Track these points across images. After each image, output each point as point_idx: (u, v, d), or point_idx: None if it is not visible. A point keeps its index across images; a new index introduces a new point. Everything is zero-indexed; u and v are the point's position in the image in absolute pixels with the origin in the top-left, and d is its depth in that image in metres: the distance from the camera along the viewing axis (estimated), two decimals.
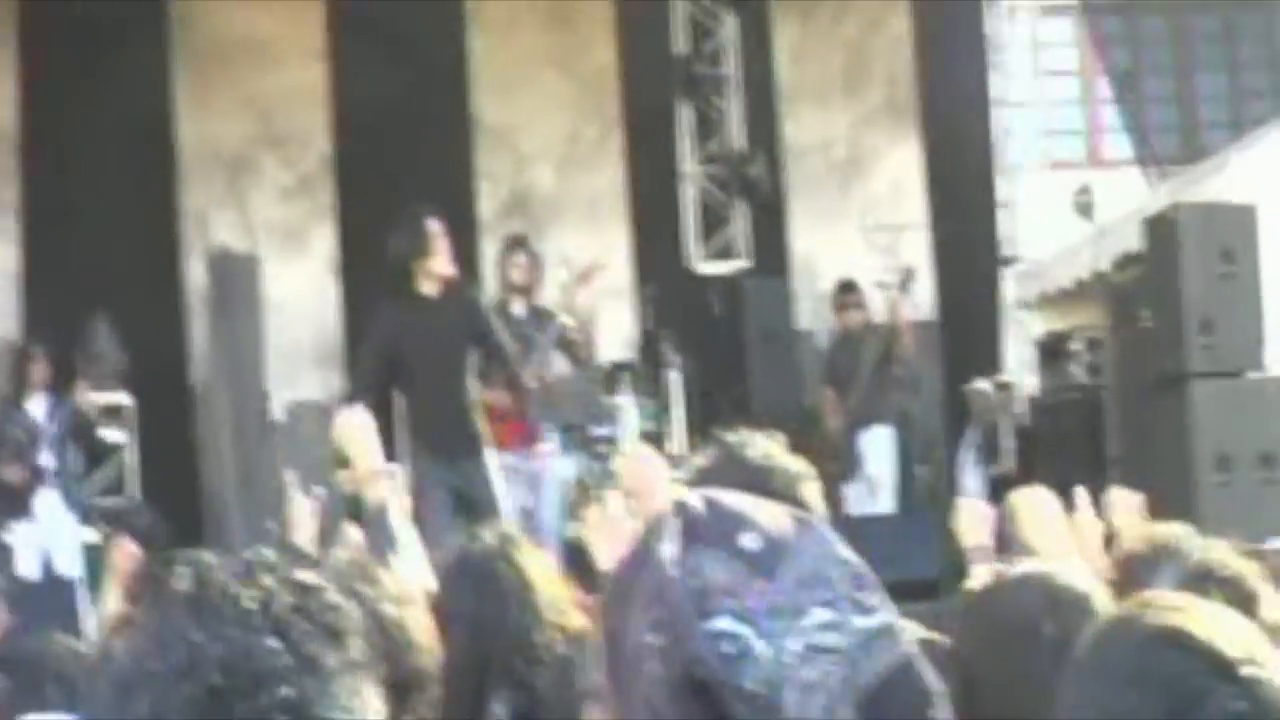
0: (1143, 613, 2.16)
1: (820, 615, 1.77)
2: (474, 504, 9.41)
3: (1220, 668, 2.04)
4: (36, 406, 12.81)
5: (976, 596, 3.26)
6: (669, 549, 1.80)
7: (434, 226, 9.67)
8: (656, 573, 1.79)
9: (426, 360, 9.71)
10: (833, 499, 12.22)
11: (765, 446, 3.73)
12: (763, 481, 3.40)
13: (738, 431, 3.88)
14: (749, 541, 1.81)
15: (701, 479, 3.51)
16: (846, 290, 13.73)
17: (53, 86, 15.06)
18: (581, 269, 11.37)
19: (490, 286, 12.30)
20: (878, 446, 13.29)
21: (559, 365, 11.70)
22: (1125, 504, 4.97)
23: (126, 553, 5.81)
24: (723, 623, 1.75)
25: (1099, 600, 3.07)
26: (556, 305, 11.41)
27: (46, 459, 12.67)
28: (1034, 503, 4.60)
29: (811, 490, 3.61)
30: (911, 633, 1.93)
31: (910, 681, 1.81)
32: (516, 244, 11.74)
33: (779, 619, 1.76)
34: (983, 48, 16.41)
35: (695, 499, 1.86)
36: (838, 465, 13.00)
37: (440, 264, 9.63)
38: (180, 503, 13.82)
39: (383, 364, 9.93)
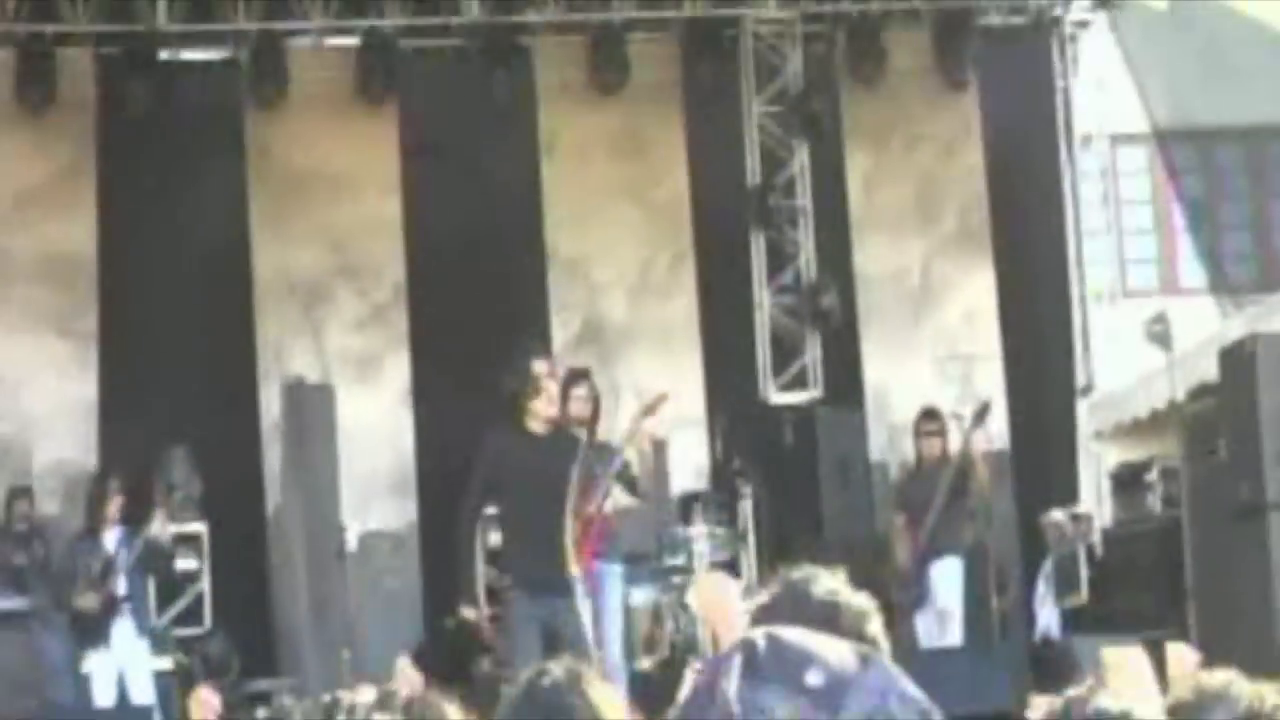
0: None
1: None
2: (562, 640, 9.39)
3: None
4: (111, 537, 12.86)
5: None
6: (733, 685, 1.79)
7: (542, 368, 9.74)
8: (722, 709, 1.78)
9: (527, 496, 9.73)
10: (903, 630, 12.20)
11: (830, 583, 3.71)
12: (829, 618, 3.37)
13: (802, 568, 3.86)
14: (813, 678, 1.80)
15: (766, 616, 3.49)
16: (928, 418, 13.61)
17: (131, 214, 15.30)
18: (647, 401, 11.40)
19: None
20: (948, 578, 13.16)
21: (622, 498, 11.65)
22: (1182, 659, 4.94)
23: (204, 702, 5.82)
24: None
25: None
26: (625, 435, 11.41)
27: (121, 588, 12.73)
28: (1126, 659, 4.57)
29: (878, 627, 3.58)
30: None
31: None
32: (578, 377, 11.75)
33: None
34: (1056, 177, 16.41)
35: (759, 635, 1.84)
36: (908, 596, 12.90)
37: (545, 406, 9.67)
38: (254, 631, 13.88)
39: (486, 496, 9.97)
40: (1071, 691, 3.38)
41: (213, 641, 13.80)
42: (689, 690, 1.92)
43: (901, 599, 12.81)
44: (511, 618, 9.67)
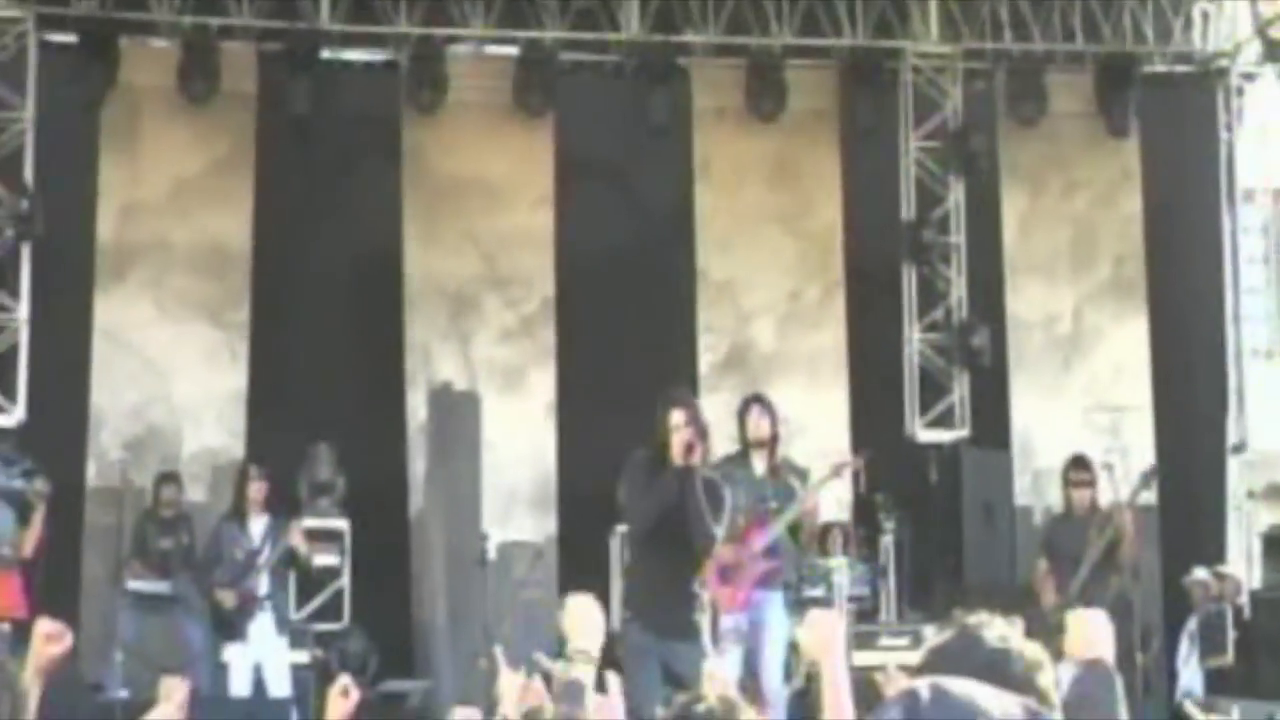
0: None
1: None
2: (683, 682, 9.22)
3: None
4: (258, 526, 12.93)
5: None
6: None
7: (677, 418, 9.49)
8: None
9: (664, 530, 9.57)
10: None
11: (1004, 630, 3.64)
12: (999, 666, 3.28)
13: (978, 613, 3.78)
14: None
15: (936, 659, 3.40)
16: (1079, 467, 13.45)
17: (285, 213, 15.35)
18: (835, 463, 11.35)
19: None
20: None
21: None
22: None
23: (344, 690, 5.74)
24: None
25: None
26: (814, 484, 11.31)
27: (263, 586, 12.79)
28: None
29: (1050, 679, 3.50)
30: None
31: None
32: (753, 401, 11.64)
33: None
34: (1216, 230, 16.21)
35: (923, 685, 1.75)
36: (1052, 646, 12.71)
37: (677, 451, 9.44)
38: (391, 631, 13.86)
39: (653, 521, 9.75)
40: None
41: (351, 638, 13.81)
42: None
43: (1045, 647, 12.63)
44: (629, 647, 9.45)
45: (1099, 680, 4.15)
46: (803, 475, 11.13)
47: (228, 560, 12.84)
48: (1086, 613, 4.24)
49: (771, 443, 11.08)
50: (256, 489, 12.93)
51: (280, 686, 12.59)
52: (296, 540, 12.79)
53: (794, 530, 11.19)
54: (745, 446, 11.18)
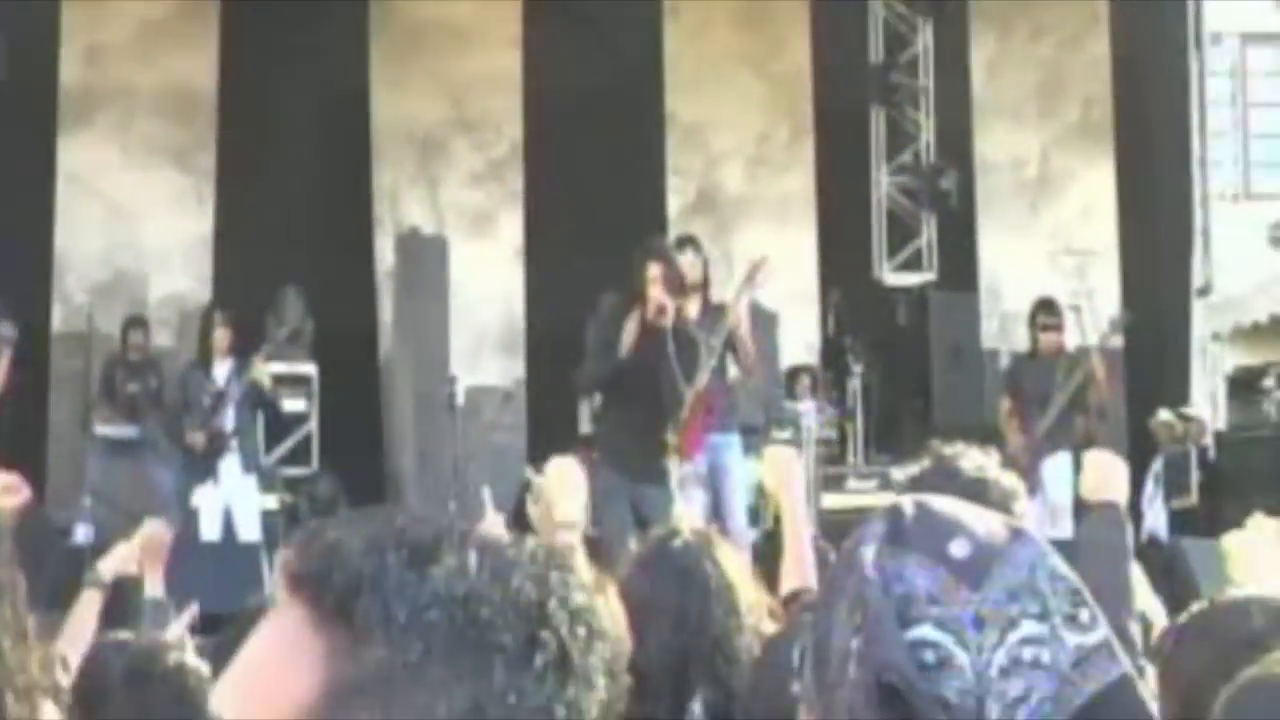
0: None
1: (1030, 628, 1.70)
2: (649, 524, 9.28)
3: None
4: (222, 370, 12.76)
5: (1195, 618, 3.19)
6: (872, 552, 1.73)
7: (654, 271, 9.48)
8: (858, 577, 1.72)
9: (637, 382, 9.61)
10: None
11: (980, 460, 3.69)
12: (976, 495, 3.34)
13: (954, 443, 3.84)
14: (957, 549, 1.74)
15: (913, 488, 3.47)
16: (1047, 310, 13.47)
17: (252, 56, 15.16)
18: (747, 269, 11.21)
19: None
20: (1061, 473, 13.11)
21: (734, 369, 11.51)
22: None
23: (151, 536, 5.74)
24: (925, 631, 1.68)
25: None
26: (731, 300, 11.26)
27: (229, 423, 12.68)
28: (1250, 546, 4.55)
29: (1023, 507, 3.57)
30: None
31: (1127, 703, 1.72)
32: (685, 243, 11.60)
33: (985, 630, 1.69)
34: (1184, 74, 16.14)
35: (908, 502, 1.78)
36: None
37: (650, 311, 9.44)
38: (361, 474, 13.89)
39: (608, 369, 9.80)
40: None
41: (320, 483, 13.83)
42: (836, 557, 1.86)
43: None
44: (599, 488, 9.52)
45: (1111, 523, 4.20)
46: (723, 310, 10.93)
47: (195, 405, 12.71)
48: (1102, 454, 4.28)
49: (704, 287, 10.98)
50: (221, 335, 12.74)
51: (250, 530, 12.49)
52: (259, 372, 12.61)
53: (737, 356, 11.04)
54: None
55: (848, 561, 1.72)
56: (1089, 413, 13.27)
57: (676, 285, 9.80)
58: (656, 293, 9.47)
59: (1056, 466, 13.05)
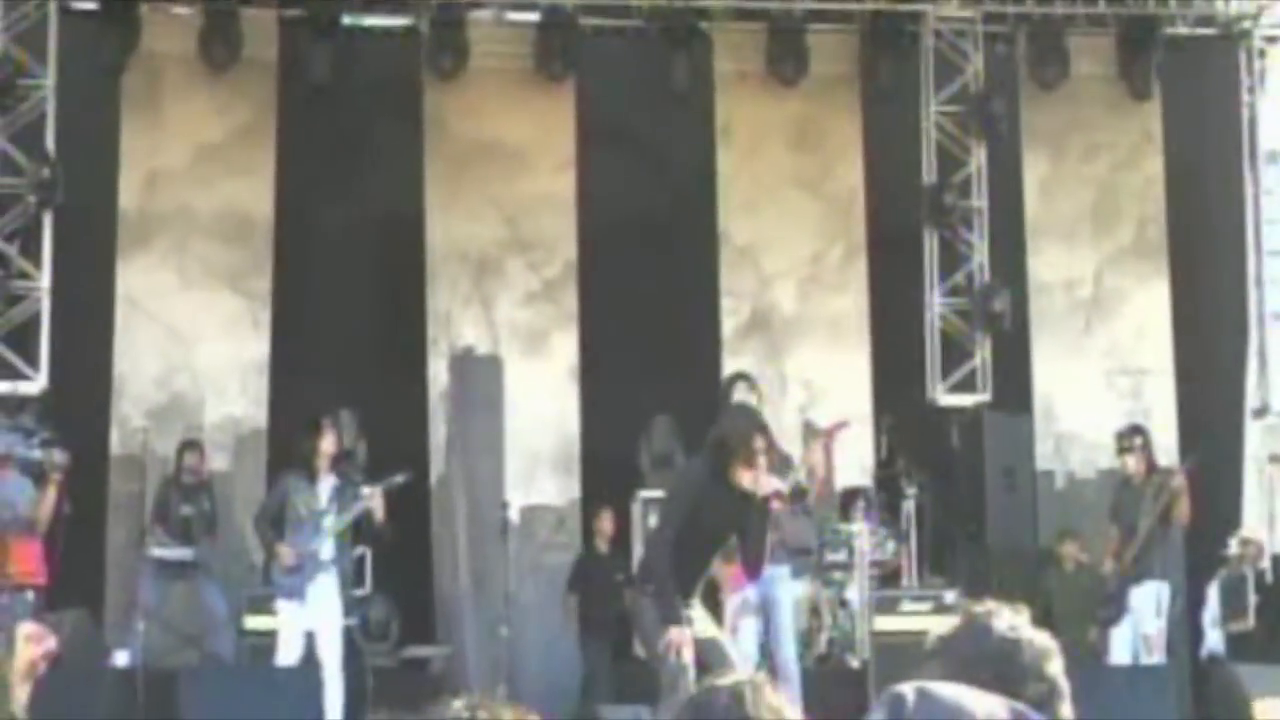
0: None
1: None
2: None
3: None
4: (324, 485, 11.96)
5: None
6: None
7: (760, 443, 9.29)
8: None
9: (706, 541, 9.47)
10: (1098, 644, 12.22)
11: (1013, 618, 3.64)
12: (1009, 655, 3.28)
13: (985, 601, 3.80)
14: None
15: (945, 648, 3.41)
16: (1133, 434, 13.42)
17: (307, 180, 15.36)
18: (826, 427, 11.25)
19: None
20: (1150, 601, 13.02)
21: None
22: None
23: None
24: None
25: None
26: (802, 457, 11.30)
27: (327, 550, 11.89)
28: None
29: (1058, 667, 3.50)
30: None
31: None
32: (739, 378, 11.61)
33: None
34: (1238, 193, 16.14)
35: (909, 689, 1.77)
36: (1107, 612, 12.91)
37: (750, 481, 9.26)
38: (413, 597, 13.89)
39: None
40: None
41: (373, 605, 13.82)
42: None
43: (1102, 615, 12.97)
44: (648, 616, 9.32)
45: None
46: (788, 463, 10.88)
47: (292, 518, 11.85)
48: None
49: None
50: (329, 441, 11.99)
51: (333, 653, 11.70)
52: (373, 501, 11.84)
53: (802, 493, 11.15)
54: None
55: None
56: (1172, 543, 13.24)
57: (780, 465, 9.78)
58: (764, 475, 9.21)
59: (1145, 595, 12.96)
